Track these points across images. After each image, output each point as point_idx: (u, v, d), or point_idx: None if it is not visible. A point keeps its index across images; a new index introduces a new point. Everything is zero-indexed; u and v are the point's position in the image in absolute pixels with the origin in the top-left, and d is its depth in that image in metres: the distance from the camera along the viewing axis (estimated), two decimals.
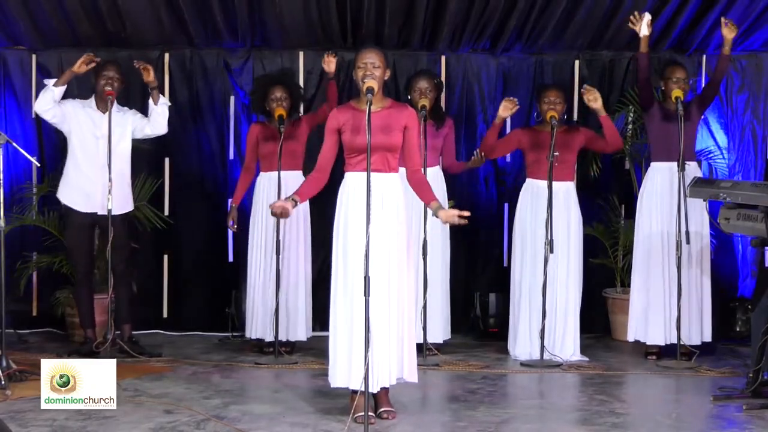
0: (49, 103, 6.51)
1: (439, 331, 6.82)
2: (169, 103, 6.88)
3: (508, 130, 7.41)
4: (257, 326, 6.80)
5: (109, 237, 6.42)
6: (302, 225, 6.81)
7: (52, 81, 6.55)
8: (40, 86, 7.13)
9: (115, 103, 6.59)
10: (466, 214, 5.02)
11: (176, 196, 7.74)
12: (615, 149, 6.81)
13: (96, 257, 6.98)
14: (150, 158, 7.53)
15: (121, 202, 6.64)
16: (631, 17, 6.50)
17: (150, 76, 6.65)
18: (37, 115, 7.24)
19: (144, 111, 6.85)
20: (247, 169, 6.96)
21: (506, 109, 6.70)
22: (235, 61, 7.74)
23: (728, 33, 6.49)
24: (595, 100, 6.52)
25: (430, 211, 5.19)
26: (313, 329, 6.94)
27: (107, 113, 6.47)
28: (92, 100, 6.65)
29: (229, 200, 7.62)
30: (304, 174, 6.79)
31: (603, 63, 7.83)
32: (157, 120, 6.71)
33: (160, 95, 6.75)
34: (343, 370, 4.97)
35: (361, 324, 4.76)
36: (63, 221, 6.89)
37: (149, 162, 7.54)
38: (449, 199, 6.92)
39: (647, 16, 6.44)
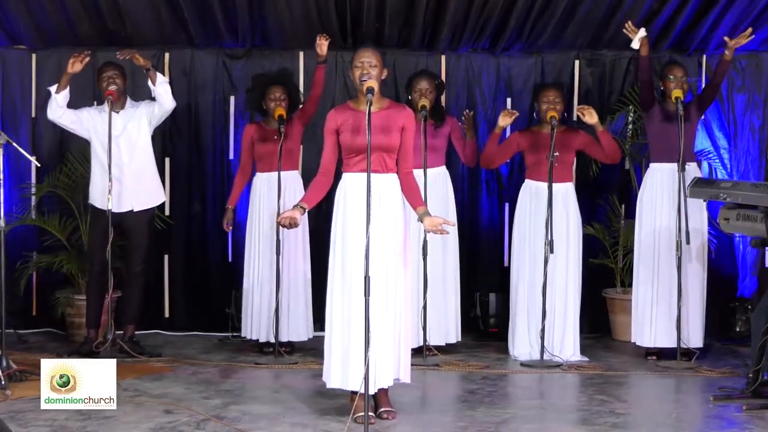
0: (57, 109, 6.51)
1: (451, 332, 6.81)
2: (168, 79, 6.81)
3: (508, 132, 7.40)
4: (255, 327, 6.78)
5: (109, 237, 6.37)
6: (300, 225, 6.78)
7: (54, 87, 6.54)
8: (40, 86, 7.13)
9: (129, 99, 6.63)
10: (451, 224, 5.02)
11: (176, 196, 7.74)
12: (613, 161, 6.78)
13: (116, 257, 6.91)
14: None
15: (146, 198, 6.66)
16: (627, 24, 6.48)
17: (141, 61, 6.58)
18: (36, 115, 7.24)
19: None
20: (242, 171, 6.93)
21: (505, 119, 6.68)
22: (235, 61, 7.74)
23: (733, 44, 6.48)
24: (590, 116, 6.51)
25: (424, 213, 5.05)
26: (315, 329, 6.92)
27: (120, 113, 6.50)
28: (105, 104, 6.64)
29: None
30: (302, 173, 6.78)
31: (603, 63, 7.82)
32: (162, 99, 6.64)
33: (158, 74, 6.67)
34: (339, 371, 4.96)
35: (357, 324, 4.76)
36: (90, 223, 6.85)
37: None
38: None
39: (642, 33, 6.40)
